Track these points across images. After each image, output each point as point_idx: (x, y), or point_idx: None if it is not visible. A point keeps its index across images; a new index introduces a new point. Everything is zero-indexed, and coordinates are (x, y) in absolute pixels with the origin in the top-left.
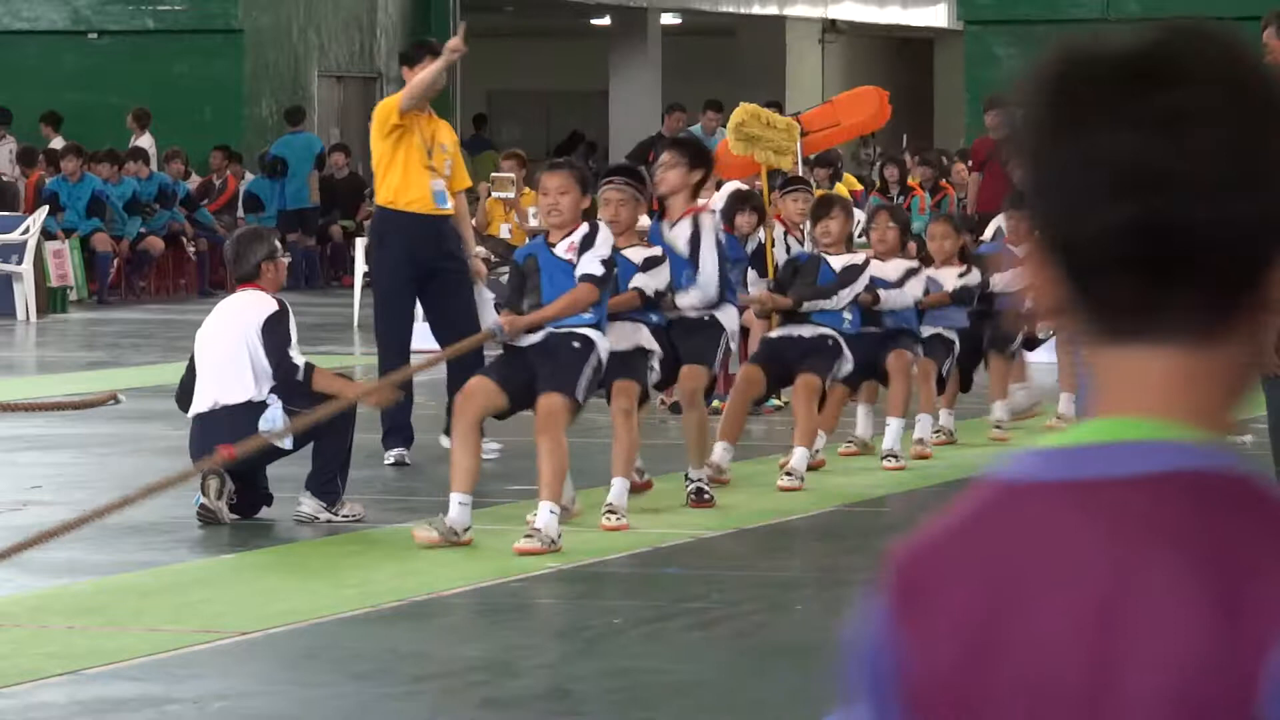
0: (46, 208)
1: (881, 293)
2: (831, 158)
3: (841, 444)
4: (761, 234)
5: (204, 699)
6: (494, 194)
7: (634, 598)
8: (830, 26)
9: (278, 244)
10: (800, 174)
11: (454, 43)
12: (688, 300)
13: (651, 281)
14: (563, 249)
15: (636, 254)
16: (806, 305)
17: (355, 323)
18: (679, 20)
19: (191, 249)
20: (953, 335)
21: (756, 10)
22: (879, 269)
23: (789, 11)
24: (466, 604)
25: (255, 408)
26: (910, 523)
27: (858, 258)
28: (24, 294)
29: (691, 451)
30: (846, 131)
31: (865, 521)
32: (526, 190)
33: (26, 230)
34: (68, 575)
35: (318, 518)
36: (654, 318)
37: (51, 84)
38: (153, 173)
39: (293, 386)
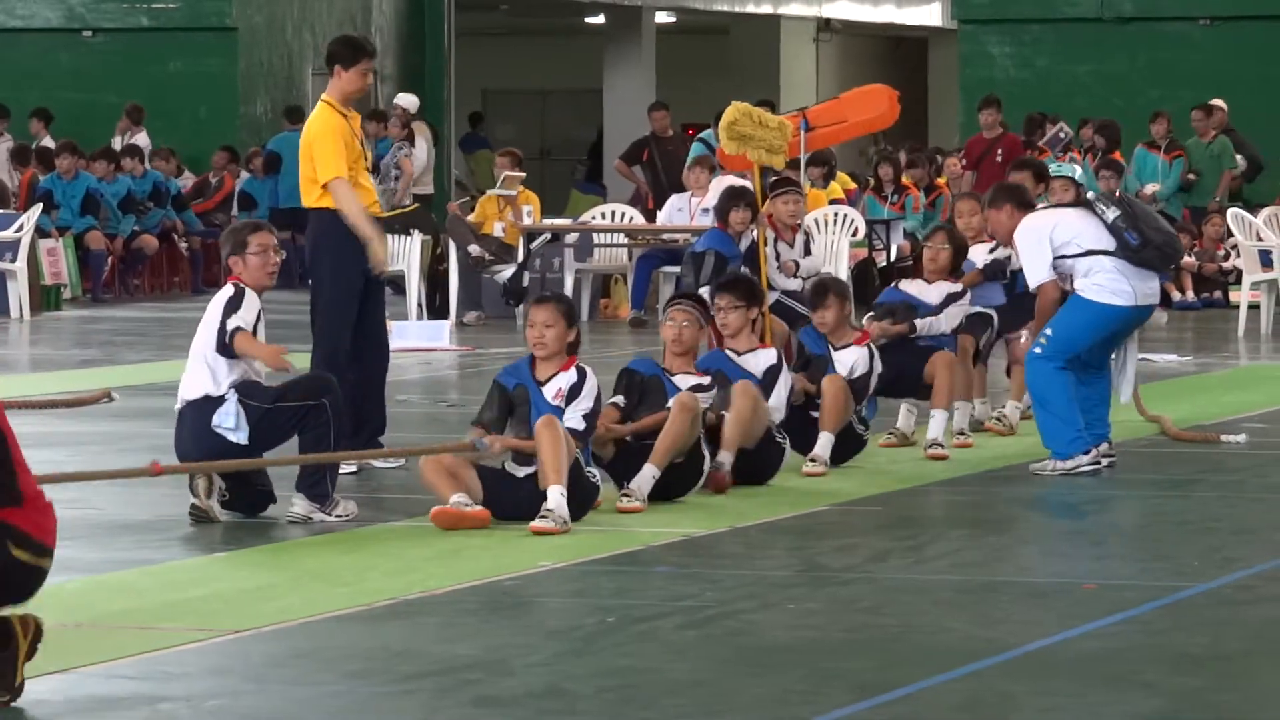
0: (40, 205)
1: (919, 322)
2: (825, 156)
3: (882, 435)
4: (754, 232)
5: (197, 697)
6: (494, 191)
7: (628, 596)
8: (824, 25)
9: (252, 238)
10: (792, 174)
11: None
12: None
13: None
14: (551, 393)
15: (685, 381)
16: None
17: None
18: (673, 19)
19: (184, 245)
20: (990, 311)
21: (751, 9)
22: (922, 291)
23: (783, 10)
24: (460, 602)
25: (213, 402)
26: (903, 521)
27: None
28: (18, 292)
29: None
30: (853, 128)
31: (858, 520)
32: (522, 189)
33: (20, 228)
34: (61, 573)
35: (310, 518)
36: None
37: (46, 82)
38: (147, 170)
39: (230, 355)
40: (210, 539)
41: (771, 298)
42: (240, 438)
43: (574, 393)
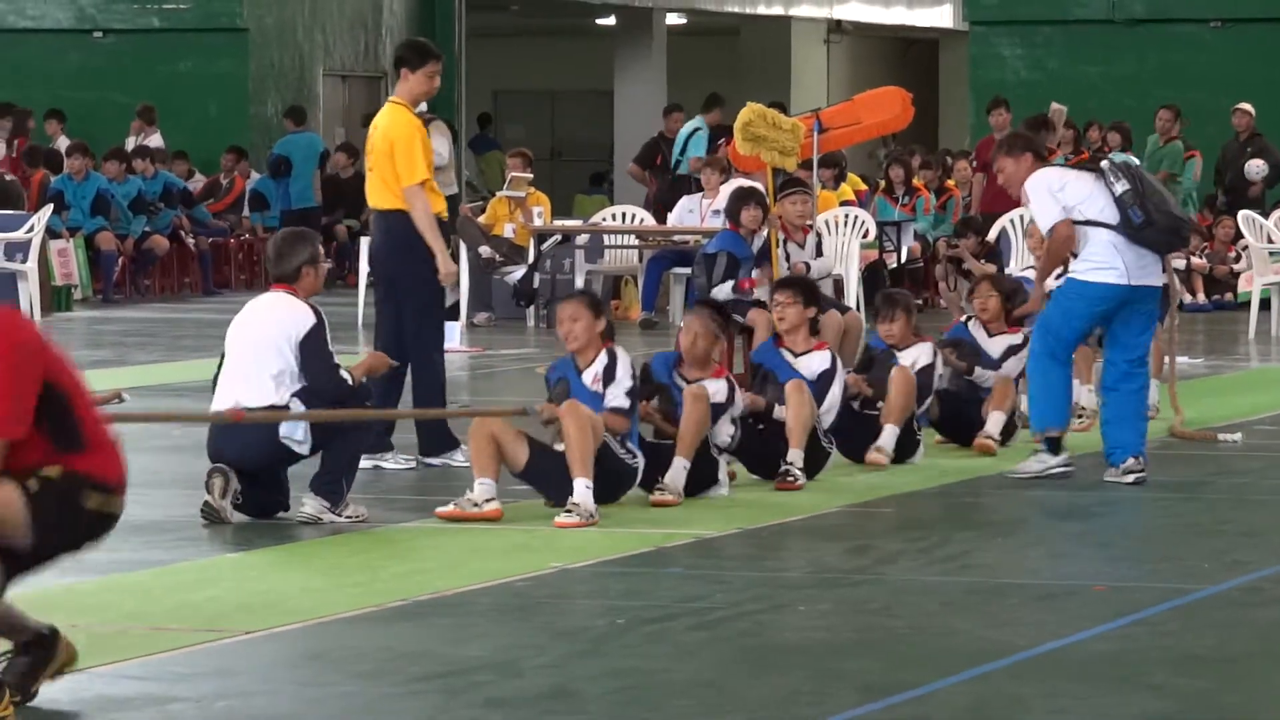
0: (51, 206)
1: (979, 371)
2: (836, 158)
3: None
4: (766, 232)
5: (206, 698)
6: (503, 193)
7: (637, 598)
8: (835, 27)
9: (320, 249)
10: (804, 175)
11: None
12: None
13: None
14: (589, 380)
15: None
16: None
17: (360, 321)
18: (684, 20)
19: (190, 241)
20: None
21: (761, 10)
22: (986, 343)
23: (794, 12)
24: (469, 603)
25: (276, 411)
26: (913, 523)
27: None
28: (29, 292)
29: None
30: (866, 130)
31: (868, 522)
32: (532, 190)
33: (31, 229)
34: (71, 574)
35: (320, 518)
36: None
37: (56, 82)
38: (158, 171)
39: (345, 402)
40: (221, 540)
41: None
42: (305, 449)
43: (609, 375)
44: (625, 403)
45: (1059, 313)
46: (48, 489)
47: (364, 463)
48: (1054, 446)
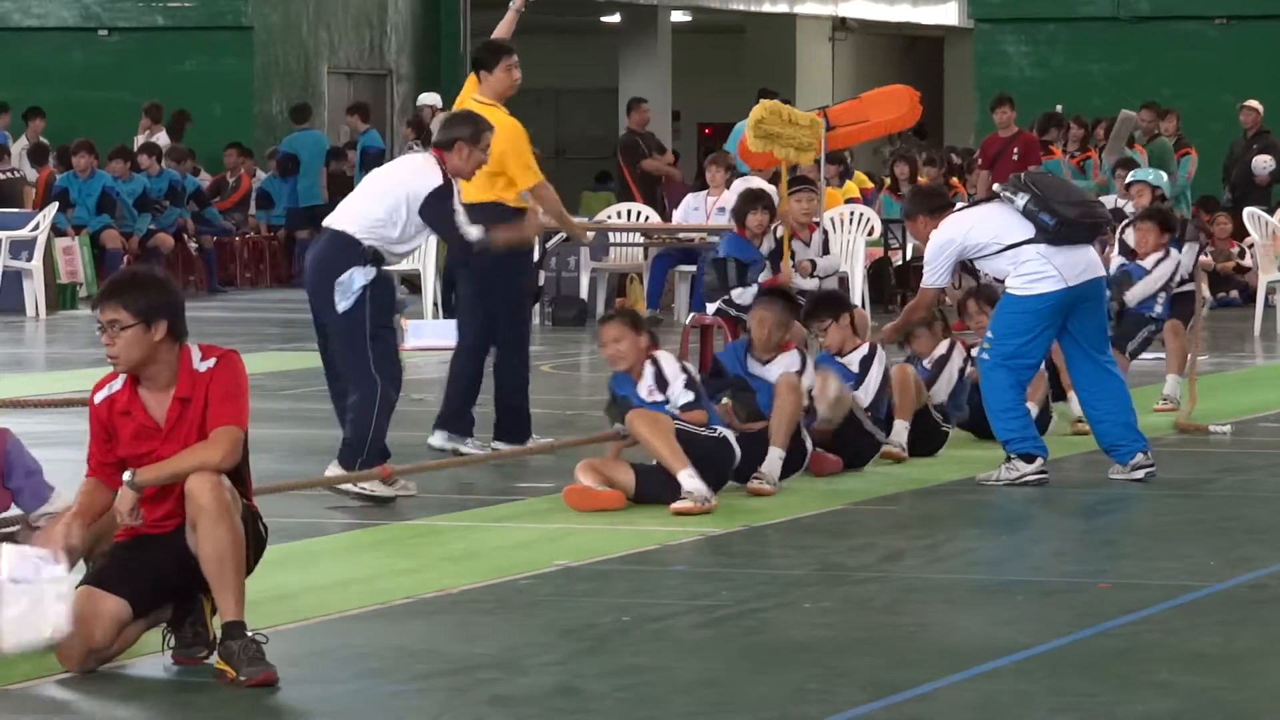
0: (56, 204)
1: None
2: (840, 155)
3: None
4: (779, 230)
5: (212, 695)
6: None
7: (642, 595)
8: (840, 24)
9: (486, 136)
10: (810, 173)
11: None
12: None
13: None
14: (645, 393)
15: (774, 369)
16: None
17: (430, 313)
18: (689, 18)
19: (194, 245)
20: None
21: (766, 8)
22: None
23: (799, 9)
24: (475, 601)
25: (349, 245)
26: (918, 520)
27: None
28: (34, 291)
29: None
30: (873, 129)
31: (874, 519)
32: None
33: (36, 227)
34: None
35: (342, 486)
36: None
37: (61, 81)
38: (163, 169)
39: (465, 249)
40: None
41: None
42: (343, 306)
43: (660, 382)
44: (689, 396)
45: (1005, 329)
46: (248, 523)
47: (444, 444)
48: (1028, 456)
